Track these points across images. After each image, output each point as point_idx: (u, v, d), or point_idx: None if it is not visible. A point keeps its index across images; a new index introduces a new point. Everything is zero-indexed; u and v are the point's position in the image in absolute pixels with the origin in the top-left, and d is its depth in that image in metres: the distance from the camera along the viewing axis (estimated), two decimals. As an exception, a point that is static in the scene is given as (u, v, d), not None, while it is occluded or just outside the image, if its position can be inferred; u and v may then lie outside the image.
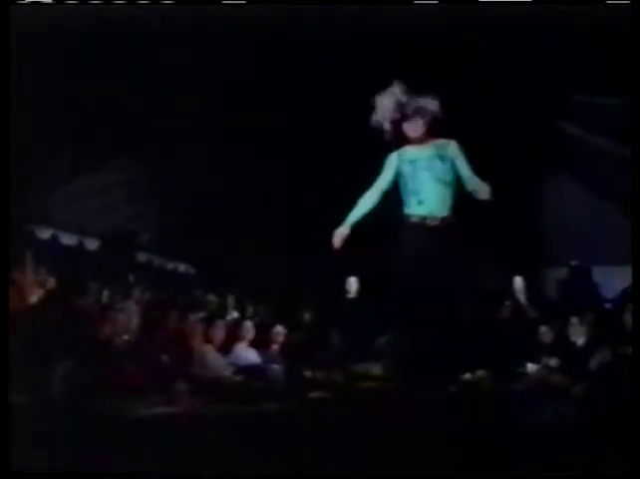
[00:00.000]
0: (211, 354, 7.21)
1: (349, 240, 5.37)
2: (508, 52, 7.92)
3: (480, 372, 6.71)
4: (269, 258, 10.80)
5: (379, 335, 7.17)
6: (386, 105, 5.44)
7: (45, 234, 10.17)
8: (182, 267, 12.21)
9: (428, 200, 5.26)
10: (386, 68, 7.05)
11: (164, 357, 6.56)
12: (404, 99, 5.42)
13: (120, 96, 8.38)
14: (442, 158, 5.36)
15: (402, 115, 5.44)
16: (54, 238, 10.29)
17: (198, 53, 7.72)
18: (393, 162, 5.47)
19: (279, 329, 8.19)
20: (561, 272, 10.59)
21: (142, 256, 11.33)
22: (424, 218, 5.27)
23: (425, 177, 5.31)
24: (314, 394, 5.97)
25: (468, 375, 6.55)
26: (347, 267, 8.97)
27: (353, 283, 9.17)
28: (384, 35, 7.34)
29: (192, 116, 9.43)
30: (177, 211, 11.45)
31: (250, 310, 9.80)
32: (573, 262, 10.41)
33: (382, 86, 5.47)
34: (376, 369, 6.67)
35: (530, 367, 7.19)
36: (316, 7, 6.01)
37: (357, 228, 5.42)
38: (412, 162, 5.37)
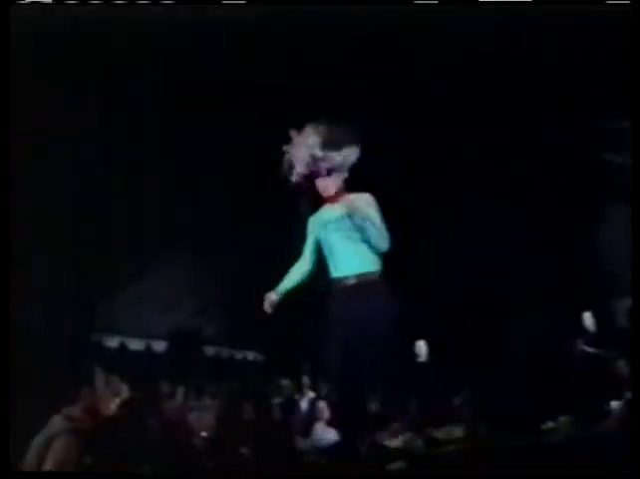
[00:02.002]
0: (293, 439, 7.20)
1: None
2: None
3: (563, 418, 6.59)
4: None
5: (453, 396, 7.09)
6: (299, 159, 5.07)
7: (113, 342, 10.32)
8: (251, 356, 12.24)
9: (341, 263, 5.00)
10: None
11: (244, 450, 6.55)
12: (318, 153, 5.04)
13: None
14: (351, 215, 5.00)
15: (314, 171, 5.09)
16: (122, 345, 10.44)
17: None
18: (312, 227, 5.22)
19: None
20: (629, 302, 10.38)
21: (210, 350, 11.40)
22: (339, 279, 5.00)
23: (335, 238, 5.04)
24: (395, 465, 5.88)
25: (550, 424, 6.45)
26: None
27: (422, 347, 9.08)
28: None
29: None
30: (240, 301, 11.51)
31: (325, 388, 9.76)
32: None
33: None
34: (457, 431, 6.58)
35: (614, 405, 7.02)
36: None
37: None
38: (324, 225, 5.11)
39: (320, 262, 5.18)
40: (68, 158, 8.10)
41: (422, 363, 8.95)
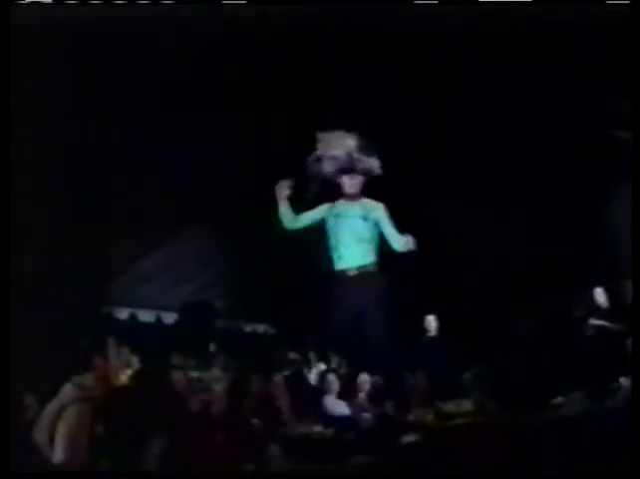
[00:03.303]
0: (300, 412, 7.21)
1: None
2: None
3: (574, 394, 6.59)
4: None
5: (464, 371, 7.11)
6: (338, 155, 5.76)
7: (123, 314, 10.34)
8: (261, 328, 12.24)
9: (346, 255, 5.78)
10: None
11: (254, 422, 6.56)
12: (356, 154, 5.78)
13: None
14: (365, 218, 5.80)
15: (346, 169, 5.82)
16: (132, 316, 10.45)
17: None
18: (324, 210, 5.94)
19: (364, 378, 8.15)
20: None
21: (220, 323, 11.40)
22: (342, 271, 5.82)
23: (344, 234, 5.81)
24: (407, 438, 5.90)
25: (560, 399, 6.45)
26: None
27: (432, 321, 9.11)
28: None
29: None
30: (249, 272, 11.51)
31: (335, 361, 9.77)
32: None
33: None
34: (467, 405, 6.60)
35: (624, 381, 7.00)
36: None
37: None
38: (337, 216, 5.85)
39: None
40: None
41: (430, 338, 9.02)
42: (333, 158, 5.80)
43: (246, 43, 6.94)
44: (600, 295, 9.03)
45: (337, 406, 7.58)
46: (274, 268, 10.81)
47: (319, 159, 5.84)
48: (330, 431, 6.80)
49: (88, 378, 4.92)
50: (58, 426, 4.51)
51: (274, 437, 6.10)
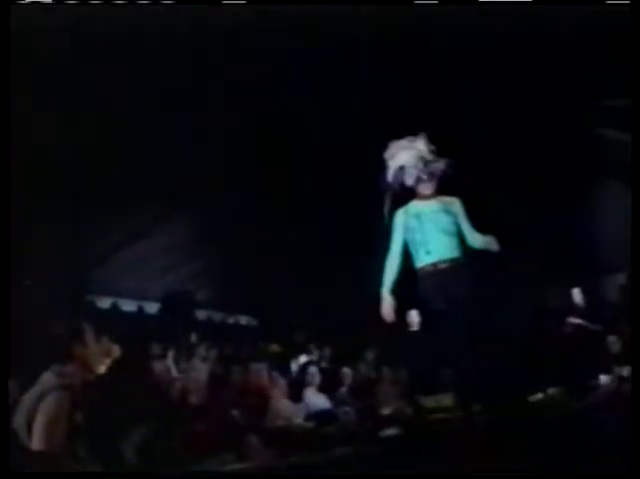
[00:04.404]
0: (281, 404, 7.22)
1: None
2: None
3: (552, 390, 6.62)
4: (327, 300, 10.82)
5: (445, 366, 7.11)
6: (411, 162, 5.69)
7: (105, 303, 10.32)
8: (244, 320, 12.26)
9: (435, 249, 5.60)
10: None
11: (235, 412, 6.57)
12: (429, 157, 5.71)
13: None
14: (447, 212, 5.70)
15: (423, 176, 5.73)
16: (114, 306, 10.44)
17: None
18: (401, 218, 5.75)
19: (346, 371, 8.18)
20: (620, 278, 10.40)
21: (202, 314, 11.42)
22: (434, 264, 5.59)
23: (430, 229, 5.63)
24: (387, 432, 5.92)
25: (540, 395, 6.48)
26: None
27: (414, 316, 9.12)
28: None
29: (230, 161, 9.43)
30: (233, 265, 11.53)
31: (316, 354, 9.80)
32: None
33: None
34: (447, 400, 6.61)
35: (603, 379, 7.05)
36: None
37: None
38: (417, 216, 5.68)
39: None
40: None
41: (414, 332, 9.03)
42: (408, 166, 5.73)
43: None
44: (578, 295, 9.10)
45: (318, 399, 7.59)
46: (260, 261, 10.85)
47: (400, 168, 5.78)
48: (310, 424, 6.82)
49: (68, 366, 4.88)
50: (37, 414, 4.48)
51: (254, 428, 6.10)
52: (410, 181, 5.74)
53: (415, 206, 5.77)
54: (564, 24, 5.98)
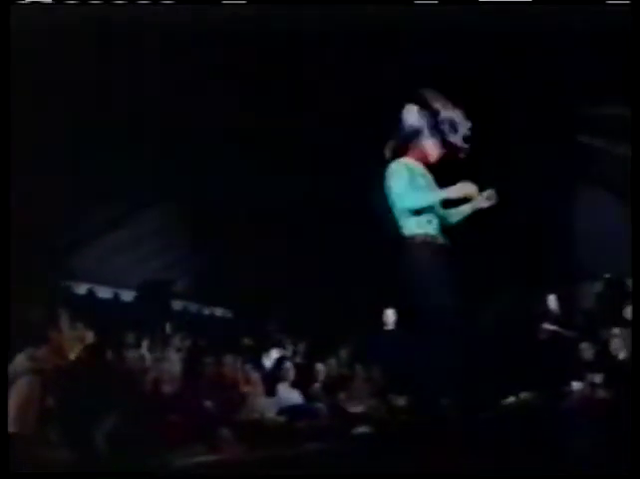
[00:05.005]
0: (254, 398, 7.21)
1: None
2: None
3: (524, 394, 6.66)
4: (304, 296, 10.81)
5: (419, 366, 7.13)
6: (464, 124, 4.88)
7: (81, 289, 10.26)
8: (219, 312, 12.23)
9: (435, 221, 4.76)
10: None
11: (207, 404, 6.55)
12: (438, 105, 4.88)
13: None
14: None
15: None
16: (90, 292, 10.39)
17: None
18: (405, 172, 4.77)
19: (320, 367, 8.19)
20: (596, 286, 10.46)
21: (178, 305, 11.37)
22: (432, 237, 4.71)
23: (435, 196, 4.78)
24: (359, 430, 5.94)
25: (512, 399, 6.51)
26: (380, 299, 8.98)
27: (390, 315, 9.12)
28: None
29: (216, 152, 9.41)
30: (211, 256, 11.50)
31: (290, 349, 9.79)
32: (607, 275, 10.26)
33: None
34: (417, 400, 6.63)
35: (575, 385, 7.10)
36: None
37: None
38: (424, 176, 4.84)
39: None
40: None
41: (389, 331, 9.05)
42: (463, 123, 4.82)
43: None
44: (553, 302, 9.15)
45: (291, 394, 7.59)
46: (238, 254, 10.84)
47: (451, 122, 4.81)
48: (282, 418, 6.82)
49: (41, 350, 4.87)
50: (8, 397, 4.46)
51: (227, 421, 6.09)
52: (455, 139, 4.85)
53: (418, 167, 4.84)
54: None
